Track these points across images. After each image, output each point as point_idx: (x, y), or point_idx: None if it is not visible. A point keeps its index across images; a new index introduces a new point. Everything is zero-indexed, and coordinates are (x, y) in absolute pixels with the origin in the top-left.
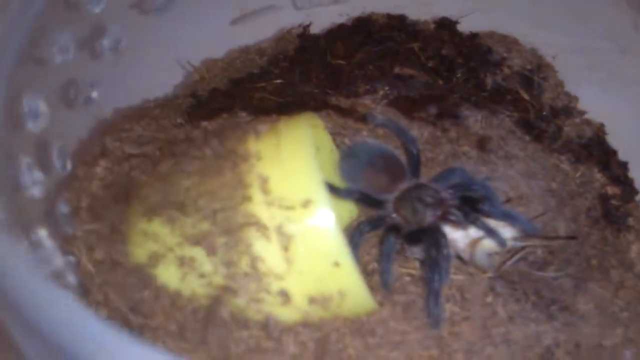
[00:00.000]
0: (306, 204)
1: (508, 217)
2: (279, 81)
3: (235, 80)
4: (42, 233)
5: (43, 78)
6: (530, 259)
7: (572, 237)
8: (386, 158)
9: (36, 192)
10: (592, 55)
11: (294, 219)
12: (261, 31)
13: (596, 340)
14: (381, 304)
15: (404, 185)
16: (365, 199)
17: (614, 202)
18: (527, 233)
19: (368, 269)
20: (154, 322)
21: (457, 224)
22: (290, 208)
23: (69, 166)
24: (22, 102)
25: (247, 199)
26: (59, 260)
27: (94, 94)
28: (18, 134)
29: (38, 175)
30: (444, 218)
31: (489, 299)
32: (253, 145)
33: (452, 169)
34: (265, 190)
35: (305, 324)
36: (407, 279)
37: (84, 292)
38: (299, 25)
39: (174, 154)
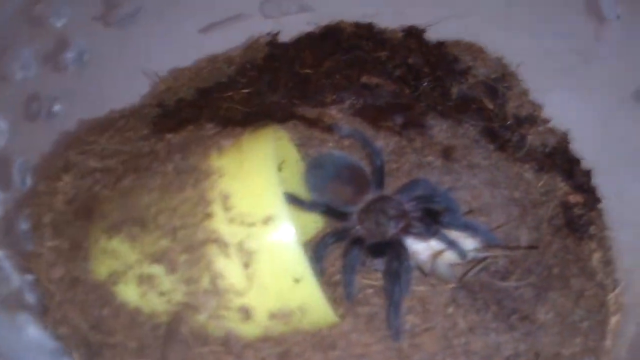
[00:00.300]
0: (267, 220)
1: (469, 229)
2: (246, 90)
3: (203, 89)
4: (7, 257)
5: (3, 95)
6: (492, 268)
7: (532, 247)
8: (351, 170)
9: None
10: (557, 62)
11: (255, 235)
12: (230, 40)
13: (555, 350)
14: (343, 317)
15: (368, 197)
16: (329, 212)
17: (576, 210)
18: (488, 244)
19: (332, 280)
20: (113, 340)
21: (419, 237)
22: (251, 225)
23: (29, 182)
24: None
25: (209, 215)
26: (16, 281)
27: (57, 108)
28: None
29: (1, 195)
30: (406, 231)
31: (450, 309)
32: (216, 161)
33: (415, 181)
34: (226, 207)
35: (266, 338)
36: (370, 290)
37: (43, 310)
38: (268, 34)
39: (136, 168)
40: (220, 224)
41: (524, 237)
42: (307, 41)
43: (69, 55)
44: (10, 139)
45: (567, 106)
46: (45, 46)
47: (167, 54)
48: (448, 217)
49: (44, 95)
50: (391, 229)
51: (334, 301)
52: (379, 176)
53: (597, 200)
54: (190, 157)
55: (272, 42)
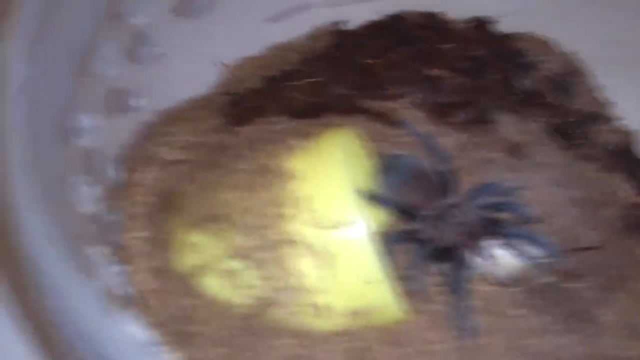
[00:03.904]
0: (347, 225)
1: (532, 241)
2: (310, 80)
3: (268, 78)
4: (99, 250)
5: (92, 92)
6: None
7: (591, 248)
8: (424, 175)
9: (91, 208)
10: (628, 62)
11: (335, 239)
12: (295, 29)
13: (614, 353)
14: (411, 313)
15: (437, 203)
16: (400, 211)
17: (638, 212)
18: (550, 256)
19: (398, 275)
20: (197, 328)
21: (483, 247)
22: (331, 228)
23: (117, 174)
24: (75, 119)
25: (291, 217)
26: (114, 275)
27: (138, 101)
28: (71, 152)
29: (91, 191)
30: (471, 239)
31: (515, 311)
32: (296, 164)
33: (486, 185)
34: (307, 210)
35: (339, 333)
36: (436, 288)
37: (135, 300)
38: (332, 22)
39: (219, 164)
40: (301, 226)
41: (587, 238)
42: (370, 30)
43: (148, 48)
44: (99, 134)
45: (634, 106)
46: (126, 42)
47: (236, 43)
48: (511, 228)
49: (126, 89)
50: (455, 237)
51: (400, 296)
52: (448, 183)
53: None
54: (270, 157)
55: (336, 31)
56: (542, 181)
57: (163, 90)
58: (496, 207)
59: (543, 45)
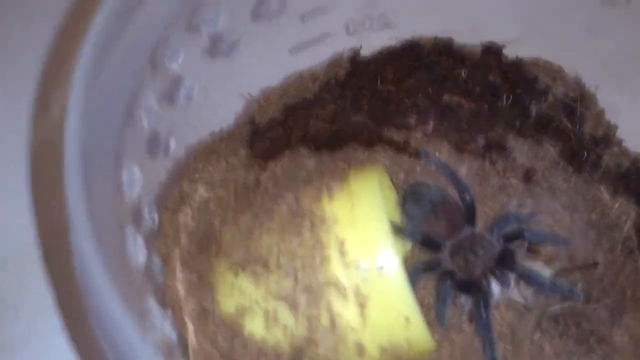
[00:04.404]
0: (380, 267)
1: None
2: (331, 107)
3: (290, 106)
4: (151, 302)
5: (135, 141)
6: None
7: (592, 265)
8: (448, 205)
9: (141, 257)
10: (634, 85)
11: (369, 280)
12: (316, 57)
13: None
14: (440, 344)
15: (460, 233)
16: (425, 242)
17: None
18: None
19: (424, 302)
20: None
21: (502, 283)
22: (365, 270)
23: (156, 218)
24: (121, 173)
25: (326, 259)
26: (167, 326)
27: (173, 143)
28: (120, 205)
29: (140, 241)
30: (493, 273)
31: (537, 335)
32: (328, 206)
33: (506, 216)
34: (342, 252)
35: None
36: (464, 317)
37: (181, 341)
38: (350, 49)
39: (250, 204)
40: (337, 268)
41: (600, 260)
42: (387, 56)
43: (182, 91)
44: (144, 182)
45: None
46: (163, 87)
47: (261, 76)
48: (529, 256)
49: (162, 132)
50: (478, 268)
51: (427, 324)
52: (470, 212)
53: None
54: (303, 199)
55: (354, 58)
56: (559, 206)
57: (193, 126)
58: (515, 235)
59: (554, 70)
